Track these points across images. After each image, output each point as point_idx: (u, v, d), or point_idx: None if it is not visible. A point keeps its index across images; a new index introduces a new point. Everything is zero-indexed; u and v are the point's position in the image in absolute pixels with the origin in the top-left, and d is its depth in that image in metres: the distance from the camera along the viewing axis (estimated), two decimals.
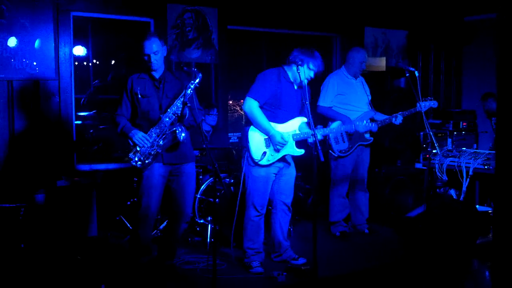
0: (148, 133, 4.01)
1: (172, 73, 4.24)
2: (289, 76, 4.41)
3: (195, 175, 4.34)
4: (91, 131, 6.42)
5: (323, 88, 5.39)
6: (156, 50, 4.03)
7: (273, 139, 4.28)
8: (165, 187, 4.18)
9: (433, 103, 5.17)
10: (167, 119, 4.01)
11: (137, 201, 4.16)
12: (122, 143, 4.11)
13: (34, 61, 5.22)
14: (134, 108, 4.13)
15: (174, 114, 4.01)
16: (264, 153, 4.33)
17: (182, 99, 3.98)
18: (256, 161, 4.32)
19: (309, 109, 4.10)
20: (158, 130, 4.01)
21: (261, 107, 4.33)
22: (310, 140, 4.23)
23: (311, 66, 4.33)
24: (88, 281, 4.11)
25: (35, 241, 4.63)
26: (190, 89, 3.96)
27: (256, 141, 4.34)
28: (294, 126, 4.41)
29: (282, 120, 4.39)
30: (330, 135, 5.21)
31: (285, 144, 4.30)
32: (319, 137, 4.19)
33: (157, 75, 4.14)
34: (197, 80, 4.01)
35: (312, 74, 4.36)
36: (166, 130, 4.01)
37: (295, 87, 4.44)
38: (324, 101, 5.32)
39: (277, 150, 4.33)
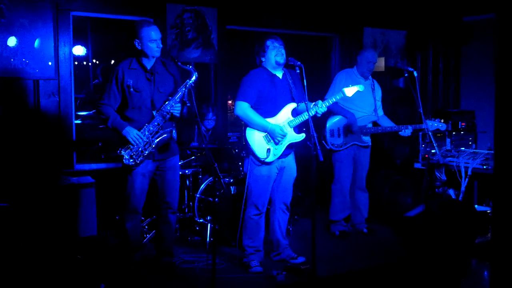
0: (142, 130, 3.94)
1: (163, 63, 4.14)
2: (269, 70, 4.44)
3: (179, 168, 4.33)
4: (90, 130, 6.43)
5: (332, 83, 5.44)
6: (160, 36, 3.99)
7: (273, 133, 4.31)
8: (150, 182, 4.15)
9: (441, 126, 5.17)
10: (161, 118, 3.97)
11: (126, 200, 4.08)
12: (122, 142, 4.06)
13: (33, 61, 5.22)
14: (123, 99, 4.01)
15: (168, 113, 3.98)
16: (268, 150, 4.34)
17: (179, 98, 3.97)
18: (263, 159, 4.33)
19: (306, 97, 4.09)
20: (151, 128, 3.96)
21: (252, 107, 4.35)
22: (318, 113, 4.28)
23: (271, 45, 4.36)
24: (88, 281, 4.12)
25: (35, 240, 4.63)
26: (186, 88, 3.95)
27: (256, 140, 4.36)
28: (287, 114, 4.42)
29: (274, 112, 4.40)
30: (327, 126, 5.23)
31: (285, 135, 4.33)
32: (323, 109, 4.28)
33: (149, 65, 4.04)
34: (193, 79, 3.99)
35: (280, 53, 4.36)
36: (159, 129, 3.97)
37: (280, 77, 4.46)
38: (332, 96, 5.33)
39: (279, 142, 4.35)
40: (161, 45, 4.01)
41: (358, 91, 5.33)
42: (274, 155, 4.36)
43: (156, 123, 3.97)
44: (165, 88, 4.07)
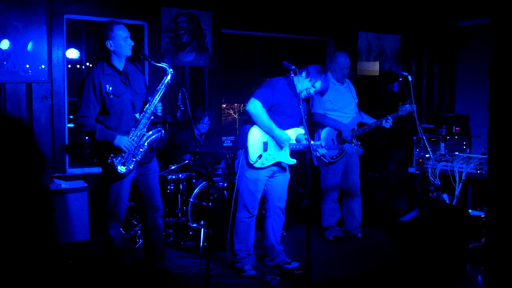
0: (129, 135, 3.85)
1: (132, 62, 4.06)
2: (295, 87, 4.43)
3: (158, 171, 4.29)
4: (83, 134, 6.40)
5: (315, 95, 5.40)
6: (130, 34, 3.89)
7: (278, 138, 4.34)
8: (131, 188, 4.08)
9: (410, 108, 5.24)
10: (146, 120, 3.90)
11: (110, 210, 3.95)
12: (111, 150, 3.94)
13: (27, 64, 5.19)
14: (102, 107, 3.85)
15: (152, 114, 3.92)
16: (260, 156, 4.34)
17: (159, 97, 3.92)
18: (252, 163, 4.34)
19: (305, 122, 4.11)
20: (138, 132, 3.88)
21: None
22: (318, 154, 4.45)
23: (316, 85, 4.45)
24: (80, 286, 4.08)
25: (23, 246, 4.59)
26: (164, 86, 3.94)
27: (254, 143, 4.36)
28: (292, 135, 4.45)
29: (282, 127, 4.40)
30: (323, 142, 5.23)
31: (289, 140, 4.37)
32: (324, 151, 4.53)
33: (120, 66, 3.91)
34: (169, 76, 3.96)
35: (312, 91, 4.48)
36: (144, 132, 3.90)
37: (300, 99, 4.47)
38: (320, 108, 5.31)
39: (276, 152, 4.36)
40: (132, 43, 3.92)
41: (341, 96, 5.35)
42: (262, 163, 4.36)
43: (142, 126, 3.89)
44: (140, 88, 4.02)
